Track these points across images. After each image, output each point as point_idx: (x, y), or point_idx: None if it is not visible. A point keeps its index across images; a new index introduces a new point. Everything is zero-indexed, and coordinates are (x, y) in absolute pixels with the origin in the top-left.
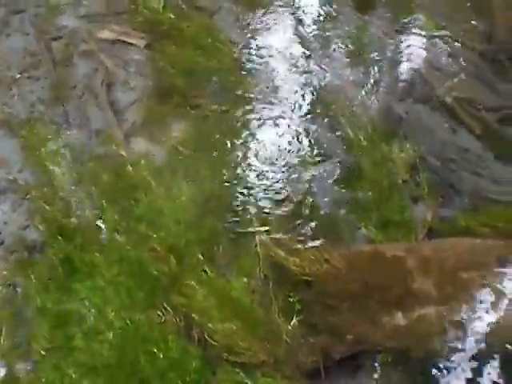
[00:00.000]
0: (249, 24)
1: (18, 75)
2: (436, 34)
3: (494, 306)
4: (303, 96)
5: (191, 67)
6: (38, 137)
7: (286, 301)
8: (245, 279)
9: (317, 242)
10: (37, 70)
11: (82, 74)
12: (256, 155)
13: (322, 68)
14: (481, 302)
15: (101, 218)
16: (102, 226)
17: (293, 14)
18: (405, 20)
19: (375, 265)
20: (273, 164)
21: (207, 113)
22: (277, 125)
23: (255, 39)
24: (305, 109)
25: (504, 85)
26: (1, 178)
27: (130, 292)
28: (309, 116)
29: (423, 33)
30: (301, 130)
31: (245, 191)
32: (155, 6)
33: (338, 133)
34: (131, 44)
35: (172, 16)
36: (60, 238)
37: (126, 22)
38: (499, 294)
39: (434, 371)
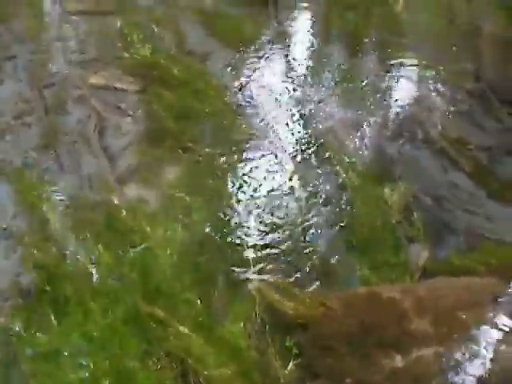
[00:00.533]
0: (240, 67)
1: (11, 122)
2: (425, 74)
3: (491, 344)
4: (295, 137)
5: (183, 111)
6: (31, 183)
7: (283, 345)
8: (241, 323)
9: (312, 285)
10: (30, 117)
11: (75, 120)
12: (249, 198)
13: (313, 109)
14: (478, 340)
15: (94, 264)
16: (96, 272)
17: (284, 55)
18: (394, 61)
19: (371, 306)
20: (266, 206)
21: (199, 156)
22: (269, 167)
23: (247, 82)
24: (297, 150)
25: (492, 123)
26: None
27: (124, 339)
28: (301, 157)
29: (412, 73)
30: (293, 171)
31: (239, 234)
32: (145, 52)
33: (330, 174)
34: (123, 89)
35: (163, 61)
36: (53, 284)
37: (118, 68)
38: (496, 333)
39: None
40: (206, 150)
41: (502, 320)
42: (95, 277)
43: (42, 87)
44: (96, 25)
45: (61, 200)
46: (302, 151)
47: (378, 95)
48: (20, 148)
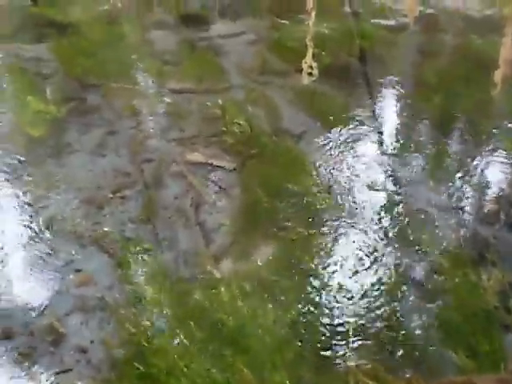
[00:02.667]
0: (333, 146)
1: (111, 195)
2: None
3: None
4: (386, 218)
5: (278, 189)
6: (128, 255)
7: None
8: None
9: (406, 372)
10: (129, 191)
11: (172, 194)
12: (341, 279)
13: (405, 190)
14: None
15: (186, 341)
16: (187, 349)
17: (376, 135)
18: (488, 143)
19: None
20: (358, 288)
21: (294, 236)
22: (361, 248)
23: (340, 161)
24: (388, 233)
25: None
26: (90, 296)
27: None
28: (392, 238)
29: (507, 156)
30: (384, 253)
31: (330, 316)
32: (242, 130)
33: (422, 257)
34: (220, 166)
35: (260, 139)
36: (144, 359)
37: (215, 145)
38: None
39: None
40: (299, 229)
41: None
42: (187, 353)
43: (141, 162)
44: (195, 103)
45: (156, 274)
46: (393, 232)
47: (473, 178)
48: (118, 221)
